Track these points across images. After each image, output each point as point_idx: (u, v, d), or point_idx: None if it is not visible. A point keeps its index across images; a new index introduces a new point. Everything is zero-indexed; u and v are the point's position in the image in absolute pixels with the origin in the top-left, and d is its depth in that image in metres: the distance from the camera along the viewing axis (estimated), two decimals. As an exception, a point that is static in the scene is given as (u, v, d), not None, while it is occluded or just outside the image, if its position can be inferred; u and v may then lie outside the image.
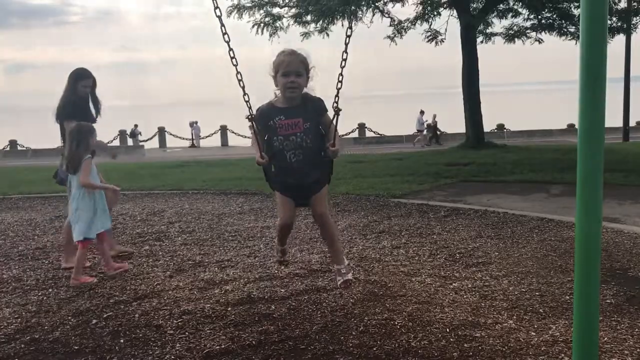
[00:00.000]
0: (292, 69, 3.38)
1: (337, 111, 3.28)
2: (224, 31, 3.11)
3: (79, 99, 5.25)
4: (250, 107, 3.34)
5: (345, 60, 3.23)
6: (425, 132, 28.30)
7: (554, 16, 18.77)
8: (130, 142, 32.40)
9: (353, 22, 16.90)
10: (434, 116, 28.84)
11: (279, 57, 3.43)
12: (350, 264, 3.99)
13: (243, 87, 3.25)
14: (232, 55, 3.18)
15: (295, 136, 3.42)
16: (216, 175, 12.81)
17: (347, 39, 3.26)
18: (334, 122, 3.38)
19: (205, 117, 41.64)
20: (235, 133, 32.54)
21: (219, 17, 3.16)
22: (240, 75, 3.24)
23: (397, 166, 13.90)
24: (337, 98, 3.27)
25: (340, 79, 3.25)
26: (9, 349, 3.35)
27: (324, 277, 4.55)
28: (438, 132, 29.12)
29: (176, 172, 14.02)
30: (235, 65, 3.20)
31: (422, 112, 28.68)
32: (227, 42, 3.12)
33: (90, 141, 4.79)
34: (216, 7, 3.19)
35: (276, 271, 4.75)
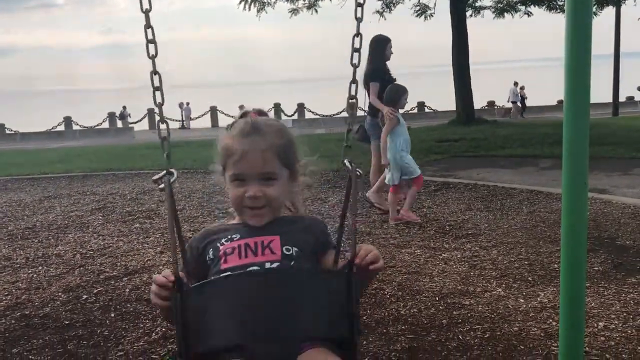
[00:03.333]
0: (252, 168, 1.73)
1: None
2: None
3: (384, 63, 6.10)
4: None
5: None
6: (518, 103, 27.80)
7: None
8: (119, 124, 32.12)
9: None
10: (522, 88, 28.38)
11: (227, 137, 1.78)
12: None
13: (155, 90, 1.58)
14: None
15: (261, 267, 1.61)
16: (207, 155, 12.70)
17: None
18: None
19: (194, 98, 41.32)
20: (225, 114, 32.37)
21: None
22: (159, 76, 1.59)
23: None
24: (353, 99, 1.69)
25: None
26: (-1, 325, 3.35)
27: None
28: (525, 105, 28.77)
29: (166, 153, 13.90)
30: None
31: (515, 84, 27.86)
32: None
33: (402, 100, 5.65)
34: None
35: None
